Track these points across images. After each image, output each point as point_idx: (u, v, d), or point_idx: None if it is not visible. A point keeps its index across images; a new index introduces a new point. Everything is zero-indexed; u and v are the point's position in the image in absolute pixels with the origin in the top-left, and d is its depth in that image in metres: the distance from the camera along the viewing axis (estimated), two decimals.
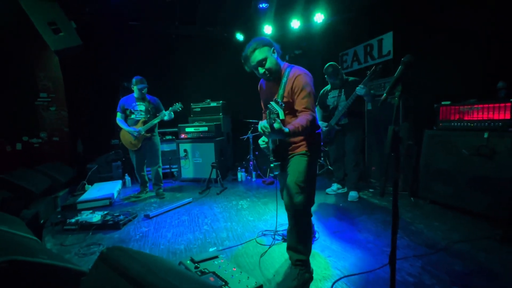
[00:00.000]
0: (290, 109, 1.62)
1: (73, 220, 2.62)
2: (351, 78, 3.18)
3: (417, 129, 3.08)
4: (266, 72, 1.62)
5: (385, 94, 1.07)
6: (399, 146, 1.09)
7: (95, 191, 3.61)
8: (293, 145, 1.70)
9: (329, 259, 1.88)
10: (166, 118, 3.48)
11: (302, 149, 1.67)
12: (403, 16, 3.64)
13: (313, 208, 2.93)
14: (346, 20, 4.65)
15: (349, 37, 4.74)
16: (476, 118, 2.47)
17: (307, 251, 1.66)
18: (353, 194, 3.18)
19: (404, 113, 3.21)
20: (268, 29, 4.98)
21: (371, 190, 3.51)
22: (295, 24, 4.79)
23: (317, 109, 3.49)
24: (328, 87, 3.36)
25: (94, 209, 3.04)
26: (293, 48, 5.77)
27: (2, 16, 3.84)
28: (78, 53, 3.73)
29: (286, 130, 1.38)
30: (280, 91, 1.62)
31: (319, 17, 4.50)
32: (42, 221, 2.70)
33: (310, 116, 1.51)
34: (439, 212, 2.64)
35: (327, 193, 3.50)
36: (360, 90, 2.91)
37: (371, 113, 3.84)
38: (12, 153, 4.31)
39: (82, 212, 2.85)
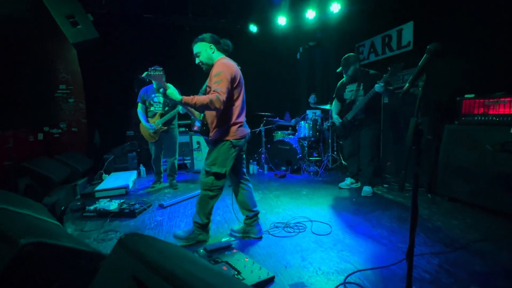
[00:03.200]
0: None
1: (91, 208, 2.72)
2: (371, 72, 3.04)
3: (436, 123, 2.96)
4: (200, 64, 1.98)
5: (407, 85, 1.02)
6: (420, 140, 1.05)
7: (112, 180, 3.72)
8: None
9: (342, 253, 1.86)
10: (182, 111, 3.50)
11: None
12: (425, 5, 3.46)
13: (325, 202, 2.92)
14: (363, 10, 4.48)
15: (366, 27, 4.57)
16: (502, 113, 2.34)
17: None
18: (367, 189, 3.10)
19: (424, 106, 3.08)
20: (282, 20, 4.89)
21: (385, 185, 3.44)
22: (310, 14, 4.66)
23: (335, 102, 3.42)
24: (344, 79, 3.26)
25: (111, 197, 3.14)
26: (307, 40, 5.64)
27: (24, 10, 3.96)
28: (94, 45, 3.82)
29: (179, 97, 1.74)
30: (207, 81, 1.98)
31: (335, 7, 4.36)
32: (62, 208, 2.82)
33: (214, 96, 1.74)
34: (458, 210, 2.54)
35: (340, 187, 3.45)
36: (379, 87, 2.79)
37: (388, 107, 3.72)
38: (34, 143, 4.50)
39: (100, 200, 2.95)
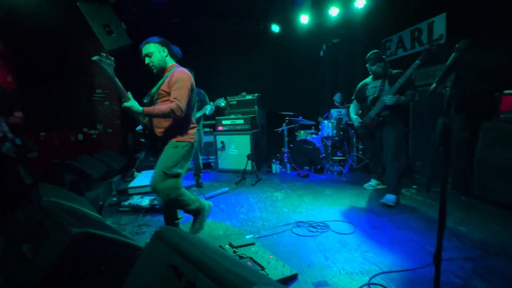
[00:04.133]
0: (166, 99, 1.89)
1: (126, 203, 2.94)
2: (394, 71, 2.85)
3: (473, 120, 2.78)
4: (150, 64, 1.94)
5: (434, 84, 1.00)
6: (449, 140, 1.02)
7: (143, 178, 3.96)
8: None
9: (366, 254, 1.85)
10: (207, 112, 3.62)
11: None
12: None
13: (349, 203, 2.88)
14: (390, 4, 4.31)
15: (393, 22, 4.40)
16: None
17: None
18: (389, 197, 2.75)
19: (457, 103, 2.91)
20: (304, 19, 4.86)
21: (414, 186, 3.30)
22: (334, 11, 4.59)
23: (353, 103, 3.29)
24: (368, 79, 3.09)
25: (143, 194, 3.36)
26: (330, 37, 5.55)
27: (65, 20, 4.34)
28: (127, 51, 4.09)
29: (140, 109, 1.78)
30: (157, 85, 1.95)
31: (360, 2, 4.24)
32: (101, 203, 3.08)
33: (174, 105, 1.79)
34: (496, 213, 2.38)
35: (364, 188, 3.38)
36: (389, 99, 2.65)
37: (418, 104, 3.56)
38: (75, 142, 4.93)
39: (133, 196, 3.17)
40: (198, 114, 3.62)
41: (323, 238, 2.12)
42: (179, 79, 1.84)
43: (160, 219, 2.65)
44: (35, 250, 1.29)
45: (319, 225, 2.33)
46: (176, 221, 2.18)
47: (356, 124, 3.11)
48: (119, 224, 2.57)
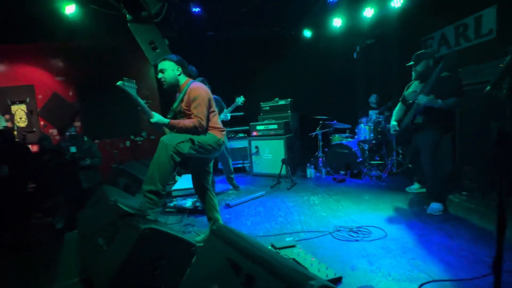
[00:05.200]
0: (188, 116, 2.02)
1: (171, 204, 3.18)
2: (444, 74, 2.51)
3: None
4: (162, 79, 2.06)
5: (489, 87, 0.99)
6: (506, 145, 0.99)
7: (184, 181, 4.23)
8: None
9: (413, 261, 1.79)
10: (223, 117, 3.65)
11: None
12: None
13: (391, 208, 2.78)
14: (429, 0, 4.11)
15: (434, 18, 4.18)
16: None
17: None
18: (435, 207, 2.56)
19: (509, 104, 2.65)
20: (337, 22, 4.84)
21: (464, 192, 3.07)
22: (368, 12, 4.50)
23: (398, 106, 3.03)
24: (414, 82, 2.87)
25: (185, 196, 3.59)
26: (364, 38, 5.42)
27: (117, 38, 4.86)
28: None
29: (167, 121, 1.94)
30: (177, 101, 2.08)
31: (397, 1, 4.11)
32: None
33: (196, 121, 1.95)
34: None
35: (407, 191, 3.23)
36: (421, 99, 2.46)
37: (467, 104, 3.31)
38: (124, 149, 5.43)
39: (177, 198, 3.41)
40: (220, 118, 3.73)
41: (365, 243, 2.09)
42: (196, 97, 1.97)
43: (203, 220, 2.82)
44: (109, 243, 1.50)
45: (360, 230, 2.30)
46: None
47: (391, 131, 2.95)
48: (167, 223, 2.79)
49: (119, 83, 1.81)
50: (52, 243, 2.72)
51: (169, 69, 2.05)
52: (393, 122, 2.97)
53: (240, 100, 3.81)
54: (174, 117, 2.12)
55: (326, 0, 4.20)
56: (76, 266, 1.66)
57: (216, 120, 2.17)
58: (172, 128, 1.98)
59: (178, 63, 2.08)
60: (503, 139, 0.95)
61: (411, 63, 2.73)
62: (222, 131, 2.18)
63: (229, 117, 3.83)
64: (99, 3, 3.89)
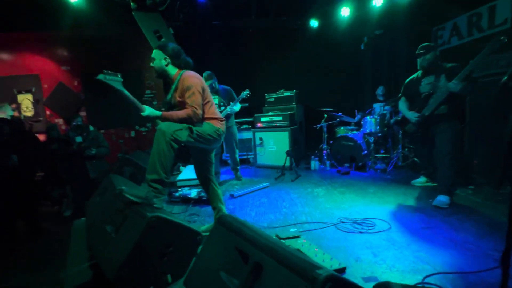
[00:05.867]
0: (181, 104, 1.97)
1: (177, 194, 3.21)
2: (449, 65, 2.62)
3: None
4: (152, 67, 2.04)
5: (506, 77, 0.95)
6: None
7: (189, 172, 4.26)
8: None
9: (418, 254, 1.79)
10: (227, 112, 3.64)
11: None
12: None
13: (396, 201, 2.78)
14: None
15: (445, 8, 4.04)
16: None
17: None
18: (442, 199, 2.56)
19: None
20: (345, 11, 4.73)
21: (471, 187, 3.04)
22: (378, 1, 4.38)
23: (402, 100, 3.05)
24: (417, 74, 2.89)
25: (190, 186, 3.62)
26: (372, 29, 5.29)
27: (121, 27, 4.82)
28: None
29: (159, 113, 1.92)
30: (170, 92, 2.05)
31: None
32: None
33: (191, 110, 1.90)
34: None
35: (412, 185, 3.22)
36: (454, 85, 2.41)
37: (476, 96, 3.25)
38: (129, 139, 5.47)
39: (182, 188, 3.44)
40: (226, 112, 3.69)
41: (369, 235, 2.10)
42: (189, 86, 1.92)
43: (208, 209, 2.86)
44: (117, 230, 1.52)
45: (364, 222, 2.30)
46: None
47: (413, 120, 2.87)
48: (172, 213, 2.82)
49: (99, 76, 1.74)
50: (61, 231, 2.78)
51: (157, 59, 2.01)
52: (410, 112, 2.90)
53: (244, 93, 3.78)
54: (169, 110, 2.06)
55: None
56: (85, 253, 1.70)
57: (214, 110, 2.12)
58: (165, 120, 1.93)
59: (169, 53, 2.00)
60: None
61: (421, 51, 2.72)
62: (221, 120, 2.15)
63: (237, 109, 3.80)
64: None
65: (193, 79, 1.96)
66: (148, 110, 1.91)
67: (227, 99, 3.82)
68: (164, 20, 4.14)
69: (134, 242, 1.34)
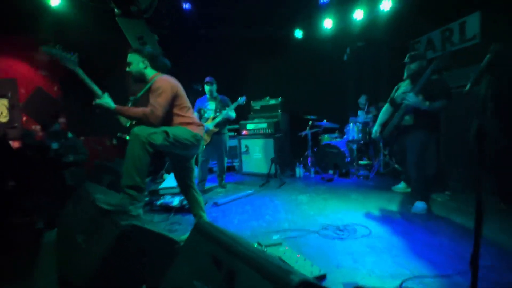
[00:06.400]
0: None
1: (158, 203, 3.12)
2: (433, 77, 2.62)
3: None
4: (129, 71, 2.02)
5: (469, 85, 1.01)
6: (484, 142, 1.02)
7: (172, 179, 4.17)
8: None
9: (396, 259, 1.82)
10: (223, 116, 3.67)
11: None
12: None
13: (377, 207, 2.83)
14: (417, 5, 4.21)
15: (421, 23, 4.28)
16: None
17: None
18: (419, 205, 2.61)
19: (494, 106, 2.73)
20: (328, 23, 4.89)
21: (447, 192, 3.15)
22: (359, 14, 4.57)
23: (385, 107, 3.08)
24: (403, 83, 2.92)
25: (173, 194, 3.54)
26: (355, 40, 5.50)
27: (104, 32, 4.75)
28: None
29: (112, 106, 1.86)
30: (141, 92, 2.04)
31: (386, 5, 4.20)
32: None
33: (149, 110, 1.83)
34: None
35: (393, 190, 3.29)
36: (410, 98, 2.49)
37: (450, 106, 3.40)
38: (111, 146, 5.31)
39: (165, 196, 3.35)
40: (221, 116, 3.71)
41: (350, 241, 2.11)
42: (158, 88, 1.88)
43: (190, 218, 2.78)
44: (88, 240, 1.45)
45: (346, 228, 2.32)
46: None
47: (372, 135, 3.02)
48: (153, 222, 2.74)
49: (44, 47, 1.74)
50: (31, 243, 2.62)
51: (135, 62, 1.98)
52: (376, 127, 3.02)
53: (241, 99, 3.81)
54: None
55: (318, 1, 4.23)
56: (54, 265, 1.61)
57: (191, 115, 2.09)
58: (118, 113, 1.88)
59: (145, 55, 1.99)
60: (481, 136, 0.97)
61: (407, 60, 2.76)
62: (199, 125, 2.11)
63: (233, 116, 3.79)
64: None
65: (165, 82, 1.93)
66: (104, 99, 1.85)
67: (223, 107, 3.82)
68: (149, 26, 4.12)
69: (106, 252, 1.28)
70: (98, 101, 1.84)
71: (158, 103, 1.85)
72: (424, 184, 2.68)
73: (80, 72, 1.80)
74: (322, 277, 1.63)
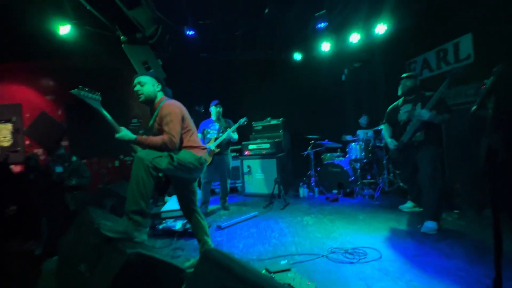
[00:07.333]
0: (161, 132, 1.93)
1: (160, 227, 3.04)
2: (427, 93, 2.78)
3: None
4: (139, 91, 2.00)
5: (475, 107, 1.02)
6: (495, 162, 1.01)
7: (174, 202, 4.10)
8: None
9: (412, 284, 1.74)
10: (224, 136, 3.67)
11: None
12: (482, 15, 3.27)
13: (386, 228, 2.75)
14: (411, 27, 4.40)
15: (416, 44, 4.45)
16: None
17: None
18: (429, 225, 2.56)
19: (495, 122, 2.76)
20: (326, 46, 5.06)
21: (456, 211, 3.09)
22: (355, 38, 4.74)
23: (385, 126, 3.23)
24: (398, 102, 3.06)
25: (176, 218, 3.46)
26: (352, 61, 5.67)
27: (110, 58, 4.90)
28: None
29: (133, 137, 1.87)
30: (152, 119, 2.03)
31: (381, 28, 4.37)
32: None
33: (167, 137, 1.86)
34: None
35: (400, 210, 3.23)
36: (424, 114, 2.58)
37: (451, 123, 3.44)
38: (113, 169, 5.28)
39: (166, 220, 3.28)
40: (223, 137, 3.70)
41: (361, 265, 2.03)
42: (167, 114, 1.90)
43: (193, 243, 2.70)
44: (91, 269, 1.39)
45: (355, 252, 2.24)
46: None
47: (391, 147, 3.02)
48: (155, 247, 2.65)
49: (73, 90, 1.74)
50: (30, 271, 2.52)
51: (149, 83, 2.01)
52: (390, 139, 3.06)
53: (242, 120, 3.86)
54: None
55: (315, 26, 4.41)
56: None
57: (195, 138, 2.11)
58: (139, 144, 1.90)
59: (158, 80, 2.07)
60: (492, 155, 0.97)
61: (405, 74, 2.97)
62: (203, 149, 2.12)
63: (236, 138, 3.81)
64: (93, 23, 3.95)
65: (172, 107, 1.96)
66: (123, 132, 1.87)
67: (226, 129, 3.83)
68: (153, 51, 4.26)
69: (110, 282, 1.23)
70: (118, 135, 1.87)
71: (173, 130, 1.88)
72: (438, 202, 2.62)
73: (103, 110, 1.84)
74: None
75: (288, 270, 1.95)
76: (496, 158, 1.00)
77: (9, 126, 4.86)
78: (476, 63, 3.46)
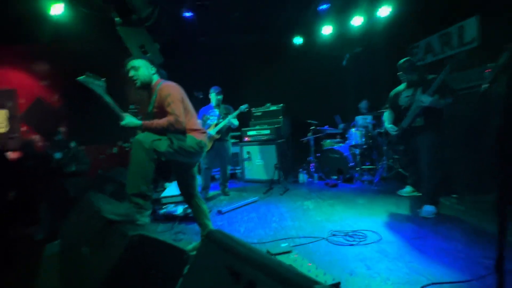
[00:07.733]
0: (163, 115, 1.87)
1: (161, 212, 3.06)
2: (430, 76, 2.72)
3: None
4: (134, 77, 1.93)
5: (487, 84, 0.99)
6: (506, 144, 0.99)
7: (174, 188, 4.10)
8: None
9: (411, 265, 1.77)
10: (225, 123, 3.65)
11: None
12: None
13: (385, 212, 2.78)
14: (415, 11, 4.27)
15: (419, 28, 4.34)
16: None
17: None
18: (428, 209, 2.60)
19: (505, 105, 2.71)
20: (327, 30, 4.94)
21: (454, 195, 3.11)
22: (357, 21, 4.62)
23: (388, 112, 3.15)
24: (401, 86, 2.98)
25: (176, 203, 3.47)
26: (353, 46, 5.54)
27: (106, 42, 4.76)
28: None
29: (139, 123, 1.83)
30: (151, 104, 1.96)
31: (384, 11, 4.25)
32: None
33: (173, 118, 1.82)
34: None
35: (399, 195, 3.25)
36: (425, 99, 2.52)
37: (454, 107, 3.40)
38: (111, 155, 5.25)
39: (167, 205, 3.29)
40: (224, 123, 3.68)
41: (361, 247, 2.06)
42: (167, 95, 1.86)
43: (194, 227, 2.72)
44: (94, 252, 1.39)
45: (355, 234, 2.27)
46: None
47: (392, 133, 2.97)
48: (157, 232, 2.67)
49: (80, 78, 1.70)
50: (32, 255, 2.54)
51: (143, 67, 1.94)
52: (389, 125, 3.01)
53: (243, 107, 3.80)
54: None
55: (317, 8, 4.27)
56: (57, 280, 1.54)
57: (194, 121, 2.06)
58: (146, 130, 1.85)
59: (152, 62, 2.01)
60: (503, 138, 0.95)
61: (404, 59, 2.85)
62: (203, 132, 2.08)
63: (236, 124, 3.76)
64: (87, 5, 3.80)
65: (171, 88, 1.92)
66: (127, 119, 1.83)
67: (226, 115, 3.79)
68: (150, 35, 4.13)
69: (113, 264, 1.22)
70: (123, 122, 1.83)
71: (177, 110, 1.85)
72: (436, 186, 2.65)
73: (107, 97, 1.79)
74: (336, 286, 1.57)
75: (289, 252, 1.98)
76: (509, 138, 0.98)
77: (4, 112, 4.77)
78: (480, 47, 3.39)
